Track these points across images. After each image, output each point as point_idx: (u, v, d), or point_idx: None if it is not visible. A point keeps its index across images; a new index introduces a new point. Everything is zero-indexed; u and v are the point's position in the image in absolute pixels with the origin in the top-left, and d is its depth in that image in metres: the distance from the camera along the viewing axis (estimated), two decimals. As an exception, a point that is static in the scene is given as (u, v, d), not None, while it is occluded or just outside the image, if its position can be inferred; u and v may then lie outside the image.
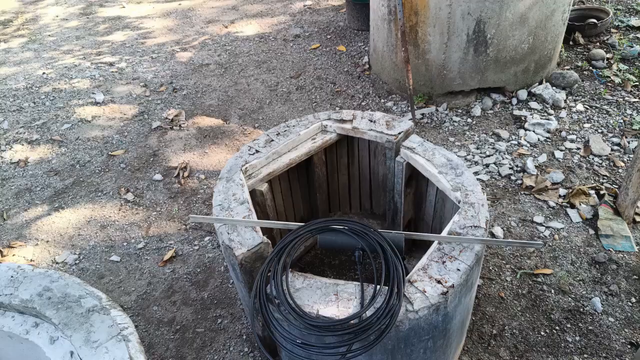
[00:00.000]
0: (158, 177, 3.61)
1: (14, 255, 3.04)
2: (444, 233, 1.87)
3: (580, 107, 3.87)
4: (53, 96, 4.73)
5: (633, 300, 2.48)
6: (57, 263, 2.99)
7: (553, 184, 3.21)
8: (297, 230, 1.87)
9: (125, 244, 3.08)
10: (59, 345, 1.62)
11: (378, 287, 1.64)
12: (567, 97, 3.98)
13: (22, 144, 4.06)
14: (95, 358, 1.51)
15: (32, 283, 1.78)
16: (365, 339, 1.53)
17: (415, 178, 2.45)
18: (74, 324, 1.62)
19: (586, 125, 3.69)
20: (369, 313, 1.57)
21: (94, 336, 1.58)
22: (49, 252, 3.06)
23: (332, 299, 1.65)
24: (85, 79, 4.98)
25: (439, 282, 1.68)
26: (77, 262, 2.97)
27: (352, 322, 1.55)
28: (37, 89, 4.87)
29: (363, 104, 4.19)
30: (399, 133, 2.34)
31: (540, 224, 2.94)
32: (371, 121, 2.44)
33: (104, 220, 3.27)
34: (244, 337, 2.45)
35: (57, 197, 3.51)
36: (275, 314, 1.64)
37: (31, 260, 3.00)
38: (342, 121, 2.49)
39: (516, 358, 2.27)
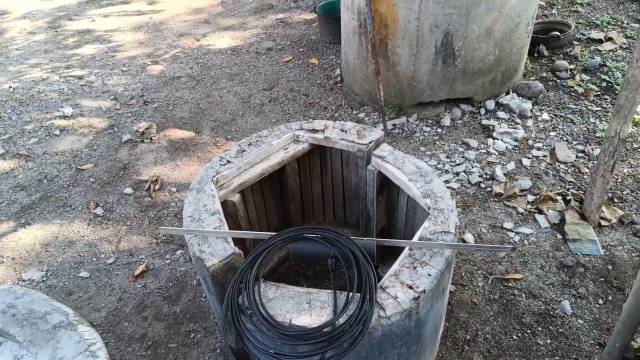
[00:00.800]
0: (128, 190, 3.55)
1: (-24, 274, 2.93)
2: (415, 239, 1.89)
3: (545, 116, 3.99)
4: (20, 110, 4.61)
5: (600, 302, 2.54)
6: (23, 281, 2.89)
7: (521, 190, 3.29)
8: (269, 240, 1.87)
9: (94, 259, 3.00)
10: (23, 364, 1.57)
11: (350, 294, 1.65)
12: (533, 107, 4.10)
13: (-14, 160, 3.94)
14: (61, 376, 1.47)
15: (-6, 300, 1.72)
16: (338, 346, 1.53)
17: (386, 186, 2.47)
18: (40, 341, 1.57)
19: (552, 133, 3.81)
20: (341, 320, 1.57)
21: (60, 353, 1.53)
22: (15, 270, 2.96)
23: (304, 308, 1.65)
24: (54, 93, 4.89)
25: (410, 287, 1.69)
26: (44, 279, 2.88)
27: (325, 330, 1.54)
28: (3, 102, 4.74)
29: (336, 115, 4.23)
30: (370, 142, 2.37)
31: (510, 230, 3.01)
32: (342, 131, 2.46)
33: (72, 235, 3.19)
34: (218, 350, 2.41)
35: (23, 212, 3.41)
36: (247, 324, 1.63)
37: (-5, 279, 2.89)
38: (314, 131, 2.51)
39: (489, 362, 2.30)
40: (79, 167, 3.83)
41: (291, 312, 1.63)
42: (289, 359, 1.52)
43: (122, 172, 3.75)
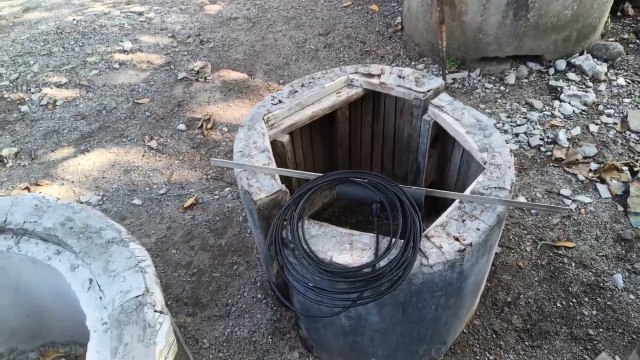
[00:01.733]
0: (182, 127, 3.62)
1: (40, 192, 3.12)
2: (467, 193, 1.83)
3: (621, 81, 3.69)
4: (82, 42, 4.74)
5: (656, 278, 2.41)
6: (81, 203, 3.05)
7: (584, 157, 3.10)
8: (316, 180, 1.86)
9: (147, 188, 3.12)
10: (79, 272, 1.66)
11: (394, 239, 1.62)
12: (608, 70, 3.79)
13: (51, 88, 4.11)
14: (112, 286, 1.55)
15: (55, 213, 1.82)
16: (376, 287, 1.52)
17: (441, 139, 2.38)
18: (94, 254, 1.66)
19: (626, 100, 3.53)
20: (382, 263, 1.56)
21: (112, 266, 1.61)
22: (74, 192, 3.13)
23: (346, 248, 1.64)
24: (114, 27, 4.98)
25: (456, 239, 1.65)
26: (100, 203, 3.04)
27: (365, 270, 1.54)
28: (67, 34, 4.89)
29: (393, 65, 4.09)
30: (428, 91, 2.27)
31: (567, 197, 2.86)
32: (400, 77, 2.37)
33: (127, 165, 3.32)
34: (258, 284, 2.48)
35: (83, 140, 3.57)
36: (289, 258, 1.65)
37: (57, 199, 3.07)
38: (370, 75, 2.42)
39: (529, 326, 2.25)
40: (135, 100, 3.93)
41: (332, 250, 1.63)
42: (327, 294, 1.54)
43: (176, 109, 3.82)
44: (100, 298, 1.55)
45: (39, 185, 3.17)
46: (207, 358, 2.20)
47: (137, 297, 1.49)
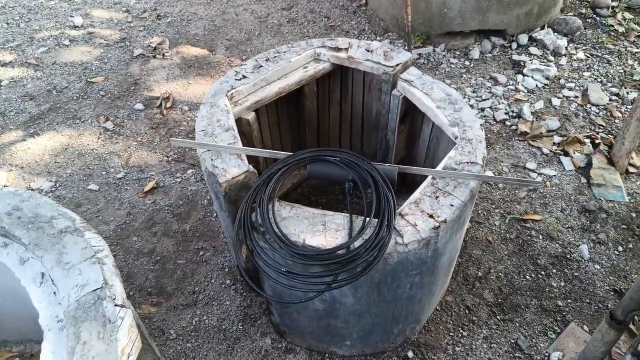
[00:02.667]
0: (139, 106, 3.43)
1: (-14, 180, 2.90)
2: (439, 168, 1.79)
3: (581, 54, 3.74)
4: (28, 17, 4.41)
5: (620, 248, 2.47)
6: (32, 190, 2.86)
7: (548, 131, 3.13)
8: (286, 159, 1.77)
9: (104, 173, 2.95)
10: (30, 266, 1.53)
11: (367, 219, 1.57)
12: (568, 44, 3.83)
13: (-6, 66, 3.81)
14: (67, 280, 1.43)
15: (0, 202, 1.67)
16: (352, 269, 1.47)
17: (410, 114, 2.33)
18: (45, 245, 1.53)
19: (586, 73, 3.58)
20: (357, 244, 1.50)
21: (66, 257, 1.49)
22: (24, 179, 2.92)
23: (319, 229, 1.58)
24: (64, 2, 4.65)
25: (431, 216, 1.61)
26: (53, 189, 2.85)
27: (339, 252, 1.48)
28: (10, 9, 4.53)
29: (358, 41, 3.99)
30: (397, 64, 2.20)
31: (533, 170, 2.88)
32: (368, 51, 2.29)
33: (82, 148, 3.12)
34: (226, 269, 2.39)
35: (32, 122, 3.33)
36: (260, 242, 1.57)
37: (5, 186, 2.86)
38: (337, 49, 2.33)
39: (500, 300, 2.27)
40: (89, 79, 3.69)
41: (305, 233, 1.56)
42: (300, 278, 1.47)
43: (133, 87, 3.62)
44: (55, 293, 1.43)
45: (-16, 172, 2.94)
46: (175, 349, 2.10)
47: (94, 290, 1.38)
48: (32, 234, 1.56)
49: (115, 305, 1.35)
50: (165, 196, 2.80)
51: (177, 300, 2.29)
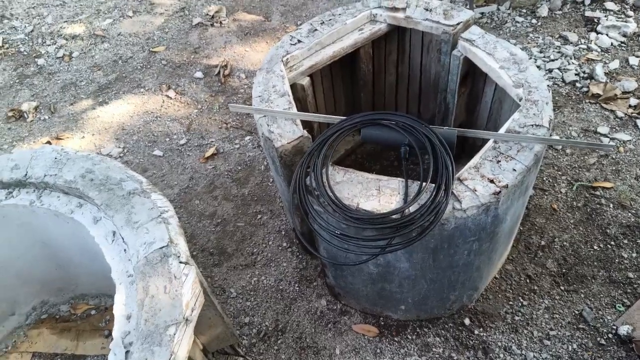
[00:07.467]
0: (199, 74, 3.52)
1: (61, 146, 3.10)
2: (502, 132, 1.71)
3: (667, 7, 3.39)
4: (94, -10, 4.59)
5: (701, 218, 2.28)
6: (102, 155, 3.03)
7: (624, 92, 2.90)
8: (340, 123, 1.76)
9: (167, 139, 3.08)
10: (102, 225, 1.64)
11: (424, 183, 1.54)
12: (653, -4, 3.48)
13: (66, 39, 4.02)
14: (136, 238, 1.52)
15: (75, 165, 1.79)
16: (406, 234, 1.46)
17: (471, 76, 2.23)
18: (116, 205, 1.63)
19: (672, 28, 3.25)
20: (412, 209, 1.48)
21: (134, 217, 1.58)
22: (95, 145, 3.11)
23: (373, 194, 1.57)
24: (125, -27, 4.78)
25: (491, 181, 1.55)
26: (121, 155, 3.01)
27: (393, 216, 1.47)
28: (77, -18, 4.72)
29: None
30: (458, 23, 2.10)
31: (605, 135, 2.69)
32: (427, 10, 2.19)
33: (146, 115, 3.26)
34: (283, 232, 2.46)
35: (101, 92, 3.51)
36: (314, 205, 1.59)
37: (76, 152, 3.05)
38: (394, 9, 2.25)
39: (564, 270, 2.18)
40: (151, 49, 3.82)
41: (359, 197, 1.56)
42: (354, 242, 1.48)
43: (192, 56, 3.70)
44: (125, 250, 1.53)
45: (60, 139, 3.15)
46: (235, 307, 2.21)
47: (161, 248, 1.46)
48: (103, 195, 1.67)
49: (180, 262, 1.42)
50: (225, 162, 2.88)
51: (237, 261, 2.38)
